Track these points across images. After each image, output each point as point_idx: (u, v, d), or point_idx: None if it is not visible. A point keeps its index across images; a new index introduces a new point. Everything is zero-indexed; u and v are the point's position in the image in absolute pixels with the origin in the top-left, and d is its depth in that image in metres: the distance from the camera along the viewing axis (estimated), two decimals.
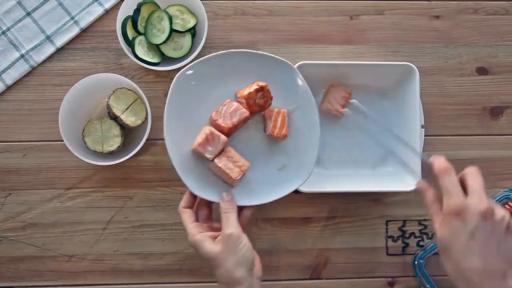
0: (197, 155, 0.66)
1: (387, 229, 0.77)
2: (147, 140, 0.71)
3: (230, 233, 0.58)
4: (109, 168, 0.74)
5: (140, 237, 0.75)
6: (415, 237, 0.77)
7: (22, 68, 0.76)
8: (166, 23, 0.72)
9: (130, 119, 0.72)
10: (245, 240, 0.59)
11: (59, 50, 0.77)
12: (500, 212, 0.51)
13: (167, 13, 0.73)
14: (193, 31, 0.76)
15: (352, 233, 0.76)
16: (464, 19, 0.80)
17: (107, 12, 0.78)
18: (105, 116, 0.74)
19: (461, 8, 0.80)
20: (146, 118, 0.72)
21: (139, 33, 0.74)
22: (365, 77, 0.75)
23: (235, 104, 0.65)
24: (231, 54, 0.67)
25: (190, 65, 0.67)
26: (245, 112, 0.65)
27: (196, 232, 0.61)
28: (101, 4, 0.77)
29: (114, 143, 0.72)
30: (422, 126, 0.73)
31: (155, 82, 0.77)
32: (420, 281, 0.74)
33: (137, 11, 0.72)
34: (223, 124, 0.64)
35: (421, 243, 0.76)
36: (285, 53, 0.78)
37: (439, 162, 0.54)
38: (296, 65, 0.72)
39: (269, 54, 0.67)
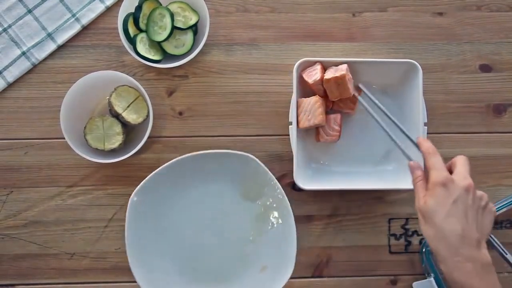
0: None
1: (389, 227, 0.76)
2: (148, 137, 0.71)
3: None
4: (111, 166, 0.74)
5: None
6: (418, 235, 0.76)
7: (23, 65, 0.76)
8: (167, 20, 0.72)
9: (131, 117, 0.72)
10: None
11: (60, 48, 0.77)
12: (480, 192, 0.58)
13: (168, 10, 0.72)
14: (194, 29, 0.75)
15: (355, 231, 0.76)
16: (468, 16, 0.79)
17: (108, 9, 0.77)
18: (106, 113, 0.73)
19: (464, 5, 0.80)
20: (147, 116, 0.72)
21: (141, 30, 0.73)
22: (368, 74, 0.74)
23: None
24: (184, 160, 0.70)
25: (138, 188, 0.70)
26: None
27: None
28: (102, 1, 0.77)
29: (116, 140, 0.71)
30: (425, 124, 0.73)
31: (156, 80, 0.77)
32: (425, 268, 0.74)
33: (139, 8, 0.72)
34: None
35: (423, 241, 0.76)
36: (287, 51, 0.78)
37: (426, 144, 0.60)
38: (298, 62, 0.71)
39: (219, 151, 0.70)
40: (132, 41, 0.72)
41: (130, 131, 0.75)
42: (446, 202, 0.55)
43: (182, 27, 0.74)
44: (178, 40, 0.74)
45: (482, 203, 0.57)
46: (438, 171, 0.56)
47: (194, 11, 0.74)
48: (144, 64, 0.72)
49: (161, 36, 0.72)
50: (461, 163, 0.59)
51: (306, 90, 0.74)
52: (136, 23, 0.73)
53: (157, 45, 0.74)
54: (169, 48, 0.74)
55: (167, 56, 0.75)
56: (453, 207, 0.55)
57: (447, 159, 0.77)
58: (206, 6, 0.72)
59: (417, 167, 0.60)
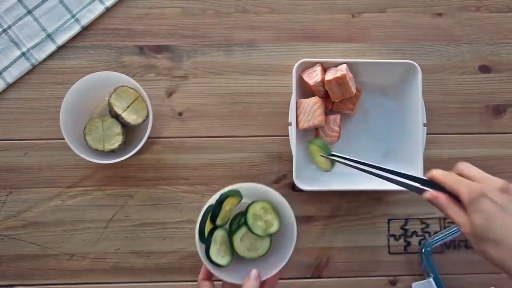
0: None
1: (389, 227, 0.76)
2: (148, 138, 0.71)
3: None
4: (110, 166, 0.74)
5: (141, 236, 0.75)
6: (417, 235, 0.76)
7: (23, 66, 0.76)
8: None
9: (131, 118, 0.72)
10: None
11: (60, 48, 0.77)
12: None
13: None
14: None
15: (354, 232, 0.76)
16: (467, 17, 0.80)
17: (108, 10, 0.77)
18: (106, 114, 0.73)
19: (463, 6, 0.80)
20: (147, 117, 0.72)
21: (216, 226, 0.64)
22: (367, 75, 0.74)
23: None
24: None
25: None
26: None
27: None
28: (102, 2, 0.77)
29: (115, 141, 0.71)
30: (424, 125, 0.73)
31: (156, 80, 0.77)
32: (424, 268, 0.74)
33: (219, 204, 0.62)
34: None
35: (423, 241, 0.76)
36: (286, 51, 0.78)
37: (437, 171, 0.55)
38: (298, 62, 0.71)
39: None
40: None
41: (129, 131, 0.75)
42: (499, 213, 0.49)
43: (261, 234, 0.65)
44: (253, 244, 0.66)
45: None
46: (468, 185, 0.52)
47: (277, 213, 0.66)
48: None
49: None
50: (470, 169, 0.54)
51: (305, 90, 0.74)
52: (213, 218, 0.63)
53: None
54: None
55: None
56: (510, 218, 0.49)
57: (446, 159, 0.77)
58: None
59: (436, 195, 0.54)
